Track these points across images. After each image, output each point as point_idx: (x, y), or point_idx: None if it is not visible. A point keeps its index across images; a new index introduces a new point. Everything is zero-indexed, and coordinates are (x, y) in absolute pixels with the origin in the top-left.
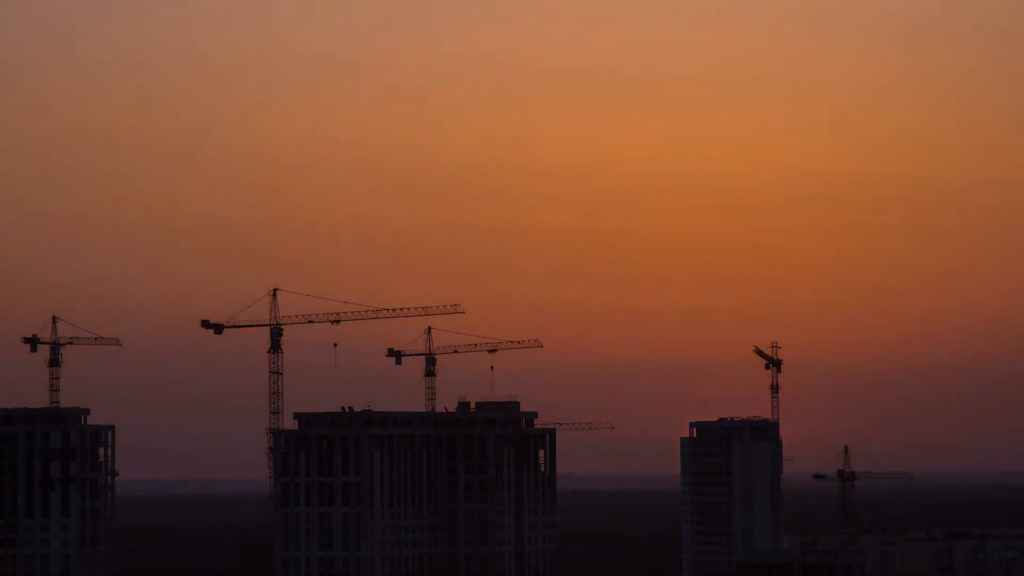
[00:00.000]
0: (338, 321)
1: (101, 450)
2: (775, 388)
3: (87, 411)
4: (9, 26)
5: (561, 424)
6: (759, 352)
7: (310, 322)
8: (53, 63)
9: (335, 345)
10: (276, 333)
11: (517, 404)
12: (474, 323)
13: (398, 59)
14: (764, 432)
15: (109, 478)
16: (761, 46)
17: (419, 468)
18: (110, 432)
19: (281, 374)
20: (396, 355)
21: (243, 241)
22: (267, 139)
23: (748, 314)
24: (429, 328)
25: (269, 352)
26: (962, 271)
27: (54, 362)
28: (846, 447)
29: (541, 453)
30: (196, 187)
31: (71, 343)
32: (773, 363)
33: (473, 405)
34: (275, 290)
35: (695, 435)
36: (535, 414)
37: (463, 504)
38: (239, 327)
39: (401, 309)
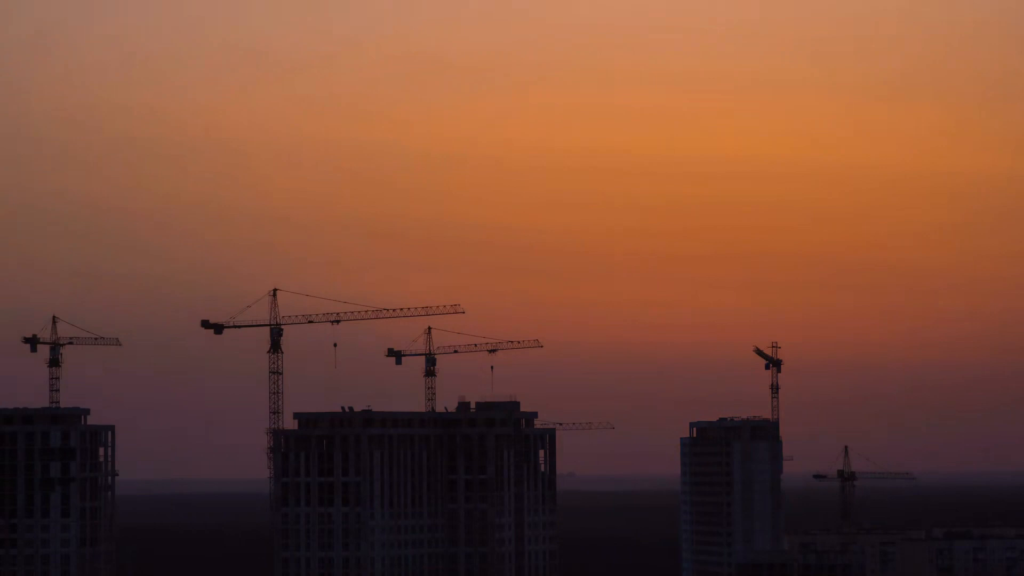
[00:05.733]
0: (338, 321)
1: (101, 450)
2: (775, 388)
3: (87, 411)
4: (7, 23)
5: (561, 424)
6: (759, 352)
7: (310, 322)
8: (51, 63)
9: (335, 345)
10: (276, 333)
11: (517, 404)
12: (474, 323)
13: (399, 58)
14: (764, 432)
15: (109, 478)
16: (757, 46)
17: (419, 468)
18: (110, 432)
19: (281, 374)
20: (396, 355)
21: (243, 241)
22: (267, 139)
23: (748, 314)
24: (429, 328)
25: (269, 352)
26: (963, 271)
27: (54, 362)
28: (846, 447)
29: (541, 453)
30: (196, 187)
31: (71, 343)
32: (773, 363)
33: (473, 405)
34: (275, 290)
35: (695, 435)
36: (535, 414)
37: (463, 504)
38: (239, 327)
39: (401, 309)
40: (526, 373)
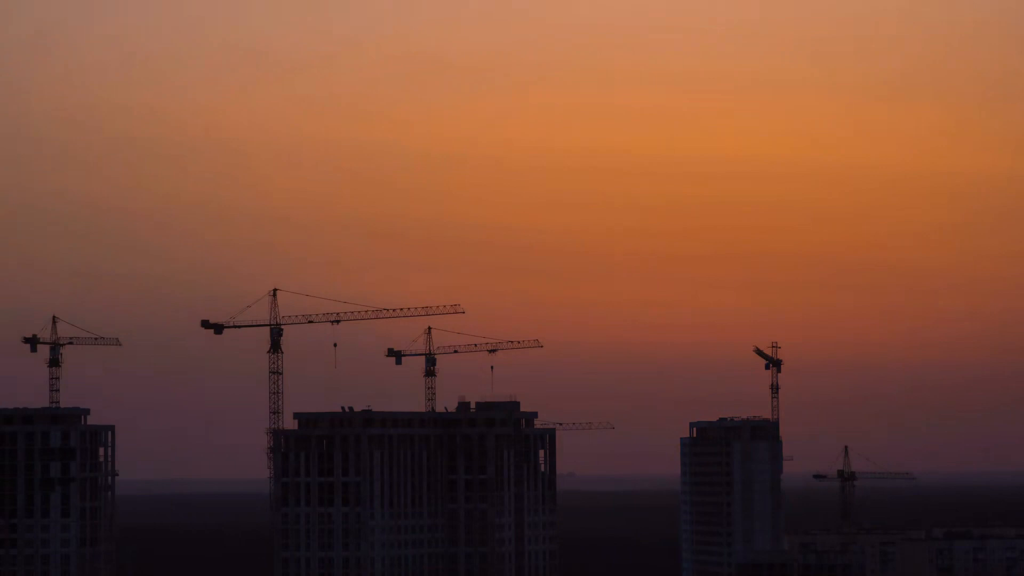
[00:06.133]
0: (338, 321)
1: (101, 450)
2: (775, 388)
3: (87, 411)
4: (7, 23)
5: (561, 424)
6: (759, 352)
7: (310, 322)
8: (51, 63)
9: (335, 345)
10: (276, 333)
11: (517, 404)
12: (474, 323)
13: (399, 58)
14: (764, 432)
15: (109, 478)
16: (757, 46)
17: (419, 468)
18: (110, 432)
19: (281, 374)
20: (396, 355)
21: (243, 241)
22: (267, 139)
23: (748, 314)
24: (429, 328)
25: (269, 352)
26: (963, 271)
27: (54, 362)
28: (846, 447)
29: (541, 453)
30: (196, 187)
31: (71, 343)
32: (773, 363)
33: (473, 405)
34: (275, 290)
35: (695, 435)
36: (535, 414)
37: (463, 504)
38: (239, 327)
39: (401, 309)
40: (526, 373)
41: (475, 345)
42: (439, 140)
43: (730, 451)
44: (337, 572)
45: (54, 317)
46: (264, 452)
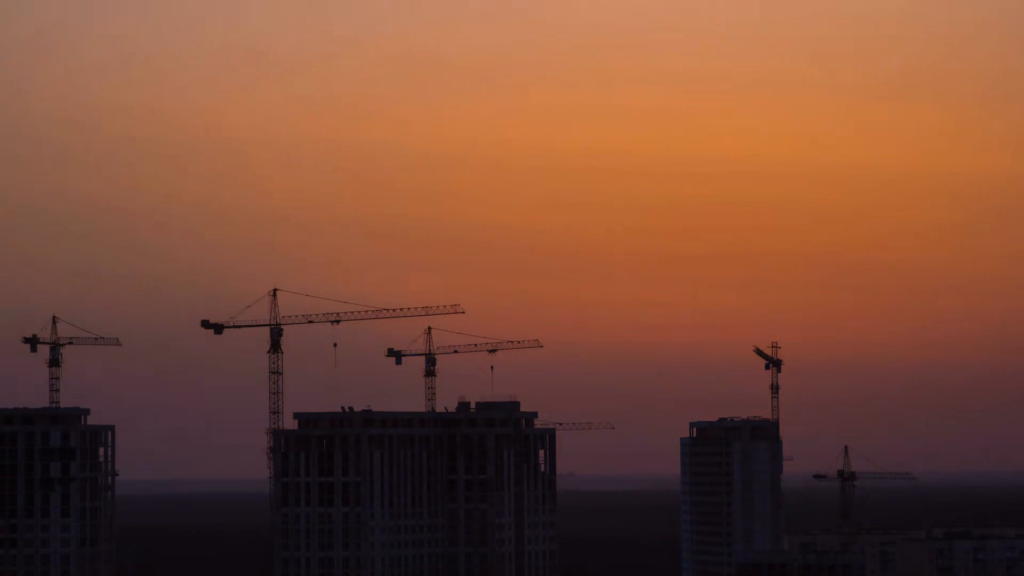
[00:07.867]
0: (338, 321)
1: (101, 450)
2: (775, 388)
3: (87, 411)
4: (7, 23)
5: (561, 424)
6: (759, 352)
7: (310, 322)
8: (51, 63)
9: (335, 345)
10: (276, 333)
11: (517, 404)
12: (474, 323)
13: (399, 58)
14: (764, 432)
15: (109, 478)
16: (757, 46)
17: (419, 468)
18: (110, 432)
19: (281, 374)
20: (396, 355)
21: (243, 241)
22: (267, 139)
23: (748, 314)
24: (429, 328)
25: (269, 352)
26: (963, 271)
27: (54, 362)
28: (846, 447)
29: (541, 453)
30: (196, 187)
31: (71, 343)
32: (773, 363)
33: (473, 405)
34: (275, 290)
35: (695, 435)
36: (535, 414)
37: (463, 504)
38: (239, 327)
39: (401, 309)
40: (526, 373)
41: (475, 345)
42: (439, 140)
43: (730, 451)
44: (337, 572)
45: (54, 317)
46: (264, 452)
